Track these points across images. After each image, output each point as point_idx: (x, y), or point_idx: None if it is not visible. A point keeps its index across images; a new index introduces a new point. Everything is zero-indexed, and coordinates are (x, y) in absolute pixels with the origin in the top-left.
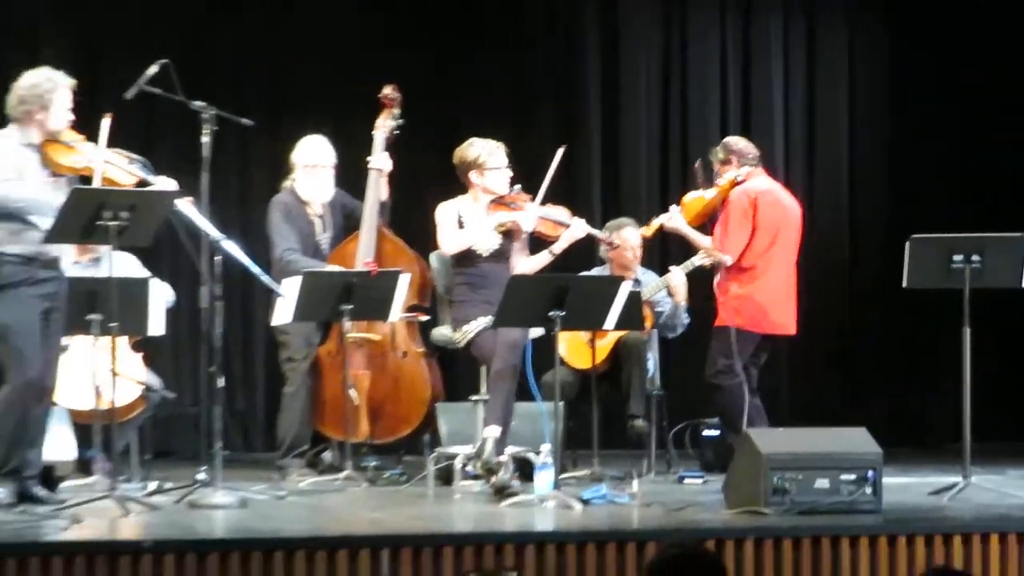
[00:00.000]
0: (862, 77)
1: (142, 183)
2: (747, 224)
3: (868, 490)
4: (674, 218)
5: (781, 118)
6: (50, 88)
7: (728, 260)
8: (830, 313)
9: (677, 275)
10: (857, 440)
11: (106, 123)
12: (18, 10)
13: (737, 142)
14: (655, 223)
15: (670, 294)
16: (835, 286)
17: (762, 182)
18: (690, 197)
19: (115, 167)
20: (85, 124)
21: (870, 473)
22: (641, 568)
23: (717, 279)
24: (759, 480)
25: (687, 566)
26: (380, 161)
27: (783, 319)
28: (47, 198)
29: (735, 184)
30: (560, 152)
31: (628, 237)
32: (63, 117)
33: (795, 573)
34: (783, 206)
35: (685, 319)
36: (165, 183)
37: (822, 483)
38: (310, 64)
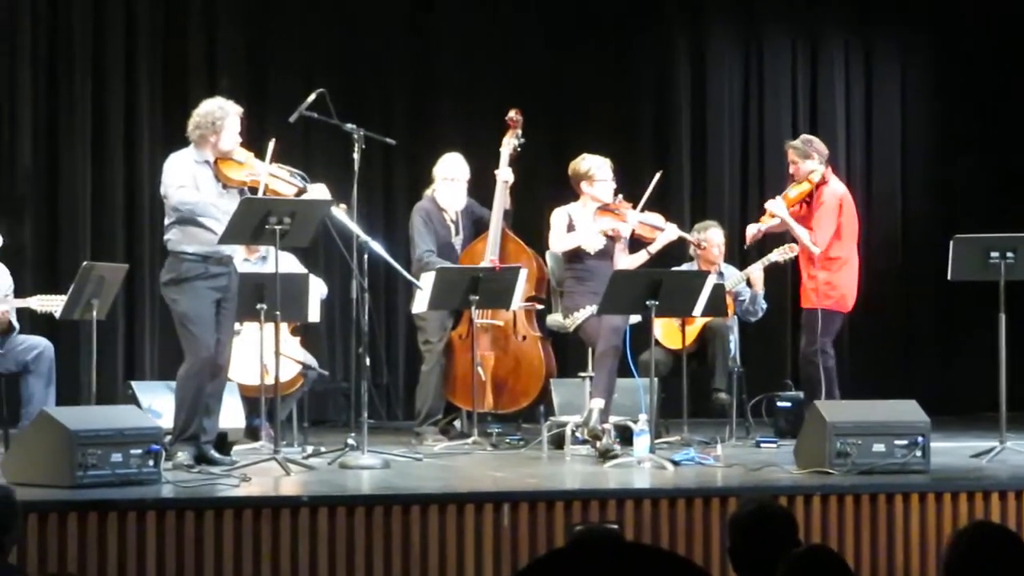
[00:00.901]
0: (913, 96)
1: (300, 192)
2: (835, 220)
3: (918, 453)
4: (779, 206)
5: (843, 131)
6: (220, 115)
7: (817, 250)
8: (886, 300)
9: (756, 269)
10: (908, 410)
11: (271, 145)
12: (196, 46)
13: (816, 140)
14: (769, 212)
15: (749, 285)
16: (890, 277)
17: (839, 183)
18: (791, 192)
19: (278, 179)
20: (255, 141)
21: (920, 439)
22: (724, 520)
23: (807, 268)
24: (825, 444)
25: (763, 518)
26: (505, 174)
27: (855, 300)
28: (216, 203)
29: (823, 182)
30: (657, 177)
31: (713, 237)
32: (233, 139)
33: (855, 525)
34: (853, 204)
35: (763, 306)
36: (320, 192)
37: (879, 447)
38: (445, 89)
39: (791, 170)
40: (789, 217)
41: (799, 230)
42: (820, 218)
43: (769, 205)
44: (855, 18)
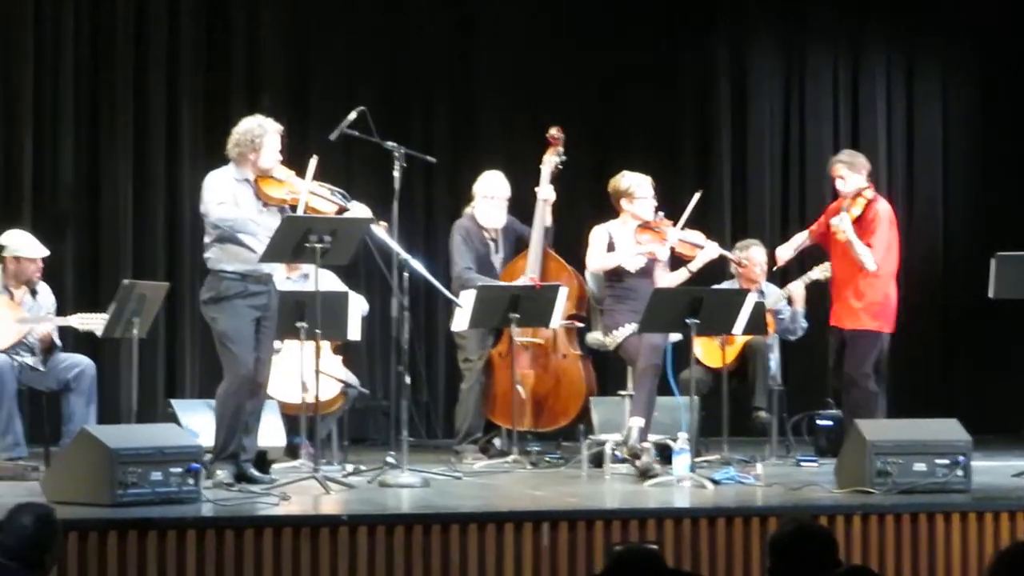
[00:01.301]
0: (954, 112)
1: (341, 211)
2: (889, 236)
3: (959, 472)
4: (846, 224)
5: (884, 148)
6: (260, 133)
7: (874, 268)
8: (926, 318)
9: (797, 287)
10: (949, 429)
11: (313, 162)
12: (238, 64)
13: (861, 155)
14: (839, 227)
15: (790, 303)
16: (931, 295)
17: (884, 201)
18: (855, 210)
19: (318, 197)
20: (296, 158)
21: (961, 458)
22: (764, 540)
23: (854, 288)
24: (865, 464)
25: (803, 538)
26: (546, 192)
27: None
28: (255, 219)
29: (875, 199)
30: (697, 196)
31: (754, 256)
32: (273, 157)
33: (896, 545)
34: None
35: (803, 324)
36: (360, 210)
37: (919, 466)
38: (486, 107)
39: (838, 185)
40: (854, 235)
41: (861, 249)
42: (878, 236)
43: (836, 223)
44: (898, 35)
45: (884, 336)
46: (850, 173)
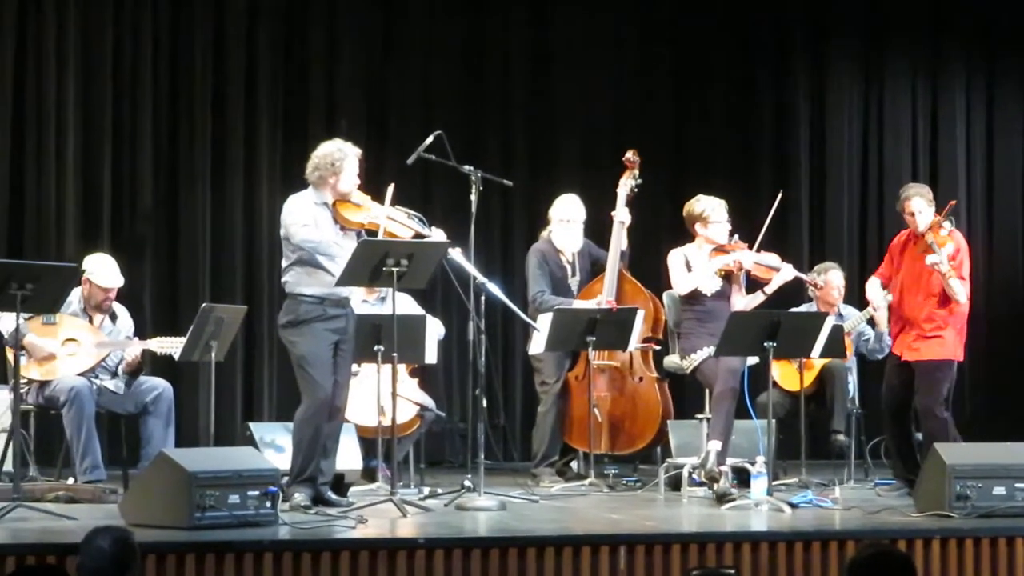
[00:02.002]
0: None
1: (418, 235)
2: (969, 266)
3: None
4: (944, 263)
5: (964, 172)
6: (340, 157)
7: (965, 300)
8: (1007, 345)
9: (879, 299)
10: None
11: (390, 190)
12: (316, 88)
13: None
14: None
15: (872, 325)
16: (1011, 322)
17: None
18: (950, 247)
19: (396, 222)
20: (374, 182)
21: None
22: (842, 565)
23: (933, 319)
24: (944, 487)
25: (882, 563)
26: (622, 215)
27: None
28: (338, 242)
29: (953, 230)
30: (779, 196)
31: (833, 279)
32: (352, 181)
33: (975, 570)
34: None
35: (888, 343)
36: (437, 235)
37: (999, 490)
38: (563, 131)
39: (916, 219)
40: (951, 271)
41: (957, 284)
42: (963, 268)
43: (935, 261)
44: (977, 59)
45: (955, 366)
46: (926, 207)
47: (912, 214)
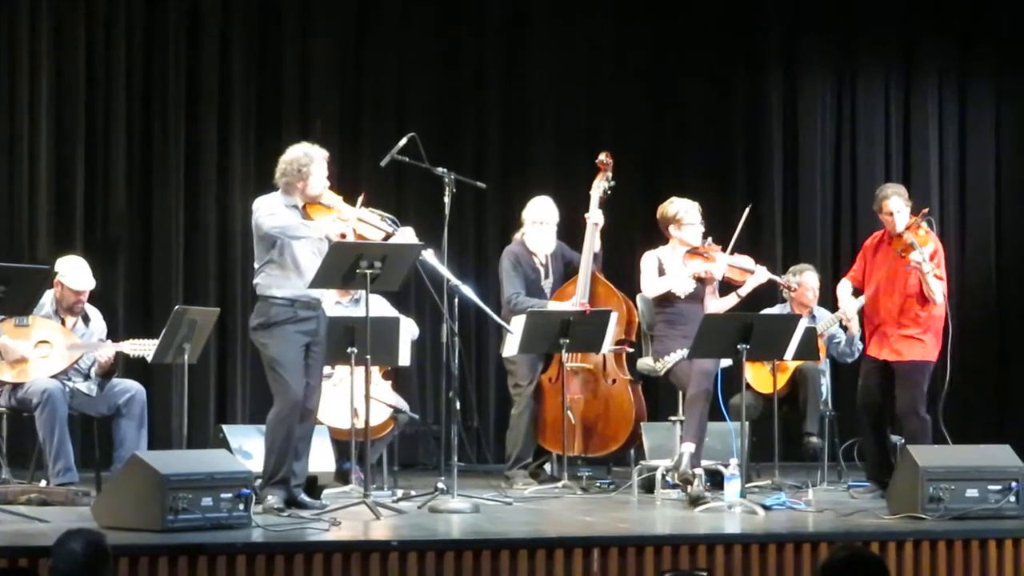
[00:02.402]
0: (1007, 138)
1: (388, 237)
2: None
3: (1012, 499)
4: (927, 263)
5: (936, 174)
6: (306, 162)
7: (942, 300)
8: (979, 348)
9: (851, 310)
10: (1001, 455)
11: (360, 200)
12: (289, 90)
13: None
14: (920, 260)
15: (844, 328)
16: (983, 325)
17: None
18: (930, 246)
19: (366, 224)
20: (347, 183)
21: (1013, 484)
22: (815, 567)
23: (913, 320)
24: (917, 490)
25: (855, 565)
26: (595, 216)
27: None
28: (299, 225)
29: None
30: (747, 210)
31: (808, 281)
32: (321, 183)
33: (948, 571)
34: None
35: (859, 347)
36: (405, 233)
37: (972, 492)
38: (535, 133)
39: (894, 219)
40: (931, 272)
41: (936, 284)
42: (940, 269)
43: (918, 259)
44: (949, 60)
45: (933, 365)
46: (904, 207)
47: (890, 214)
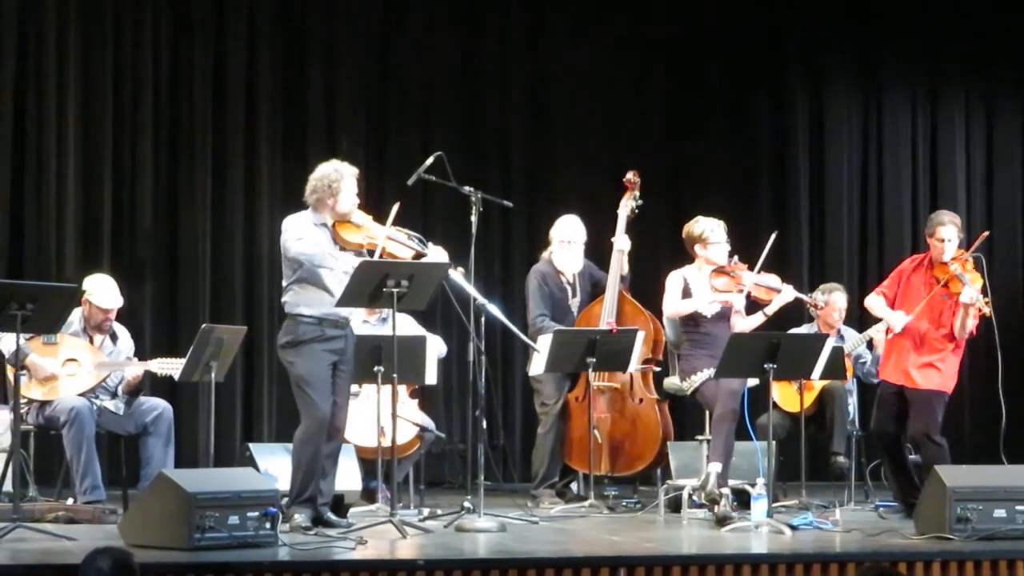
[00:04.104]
0: None
1: (418, 256)
2: None
3: None
4: (980, 299)
5: (963, 194)
6: (336, 179)
7: (966, 337)
8: (1010, 368)
9: (877, 332)
10: None
11: (395, 209)
12: (315, 109)
13: None
14: (974, 298)
15: (871, 348)
16: (1011, 346)
17: None
18: (978, 284)
19: (395, 243)
20: (374, 202)
21: None
22: None
23: (935, 349)
24: (945, 510)
25: None
26: (621, 243)
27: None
28: (333, 253)
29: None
30: (773, 236)
31: (835, 300)
32: (350, 201)
33: None
34: None
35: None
36: (438, 254)
37: (999, 513)
38: (563, 152)
39: (944, 247)
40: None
41: (971, 323)
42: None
43: (970, 297)
44: (976, 79)
45: (947, 396)
46: (956, 236)
47: (941, 240)
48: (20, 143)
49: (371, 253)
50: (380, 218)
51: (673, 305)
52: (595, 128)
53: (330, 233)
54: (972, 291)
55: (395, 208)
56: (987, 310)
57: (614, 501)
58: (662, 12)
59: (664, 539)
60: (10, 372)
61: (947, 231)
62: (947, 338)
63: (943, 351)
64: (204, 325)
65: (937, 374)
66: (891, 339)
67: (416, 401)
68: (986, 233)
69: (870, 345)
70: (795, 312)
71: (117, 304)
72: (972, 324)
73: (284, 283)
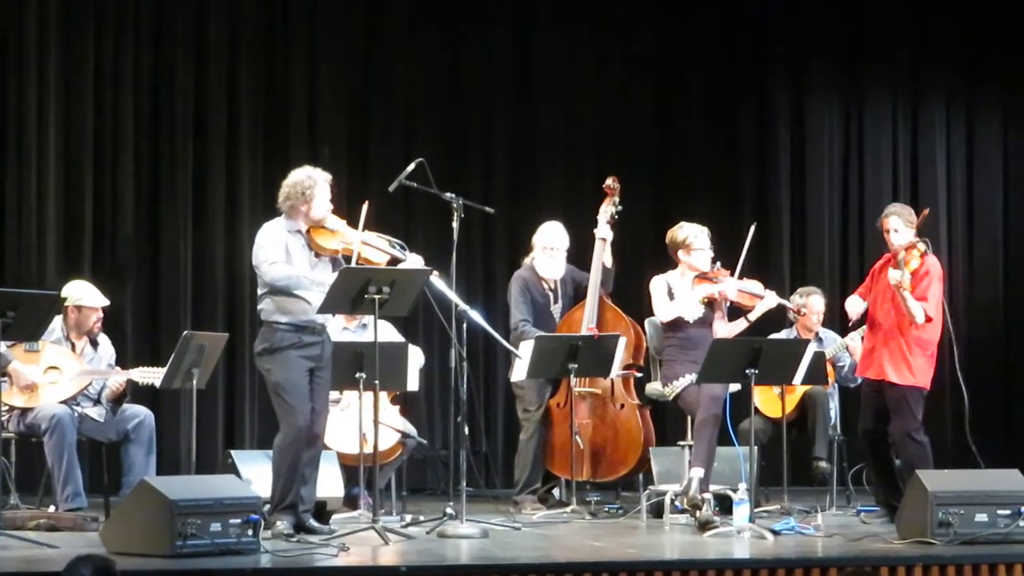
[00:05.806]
0: (1015, 162)
1: (394, 261)
2: (939, 291)
3: (1021, 523)
4: (907, 280)
5: (944, 197)
6: (309, 185)
7: (922, 319)
8: (987, 373)
9: (855, 336)
10: (1011, 480)
11: (364, 209)
12: (297, 115)
13: (911, 209)
14: (899, 279)
15: (849, 352)
16: (991, 349)
17: (933, 256)
18: (913, 263)
19: (371, 248)
20: (355, 208)
21: (1023, 508)
22: None
23: (906, 343)
24: (927, 514)
25: None
26: (603, 231)
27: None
28: (309, 275)
29: (926, 253)
30: (752, 228)
31: (814, 304)
32: (324, 207)
33: None
34: None
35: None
36: (414, 260)
37: (981, 517)
38: (544, 158)
39: (891, 238)
40: (909, 291)
41: (915, 305)
42: (932, 290)
43: (897, 277)
44: (957, 81)
45: (926, 392)
46: (903, 226)
47: (888, 231)
48: (0, 149)
49: (347, 259)
50: (354, 223)
51: (664, 309)
52: (578, 134)
53: (304, 239)
54: (897, 273)
55: (364, 208)
56: (904, 293)
57: (596, 507)
58: (647, 18)
59: (646, 545)
60: None
61: (892, 222)
62: (908, 327)
63: (906, 342)
64: (185, 332)
65: (907, 368)
66: (867, 334)
67: (398, 407)
68: (927, 210)
69: (848, 350)
70: (776, 318)
71: (106, 301)
72: (914, 307)
73: (260, 291)
